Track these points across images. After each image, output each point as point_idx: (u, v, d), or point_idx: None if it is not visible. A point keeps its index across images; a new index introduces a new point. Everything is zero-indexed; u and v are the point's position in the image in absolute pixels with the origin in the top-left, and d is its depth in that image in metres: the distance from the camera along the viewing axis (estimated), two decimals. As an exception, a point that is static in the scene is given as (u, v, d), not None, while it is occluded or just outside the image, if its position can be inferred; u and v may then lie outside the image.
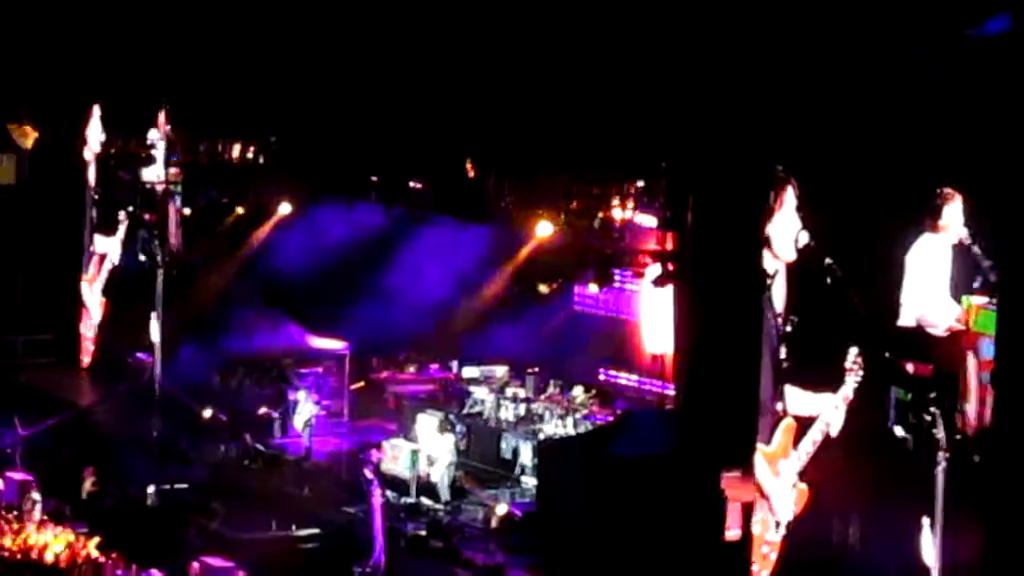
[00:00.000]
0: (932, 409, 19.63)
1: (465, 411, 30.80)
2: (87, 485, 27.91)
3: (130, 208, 36.85)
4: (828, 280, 21.37)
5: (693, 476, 19.56)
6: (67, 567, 23.40)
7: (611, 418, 29.07)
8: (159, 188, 36.76)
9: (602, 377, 31.54)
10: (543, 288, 31.30)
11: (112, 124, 37.12)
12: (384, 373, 33.87)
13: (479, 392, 31.07)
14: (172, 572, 23.33)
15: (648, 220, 29.19)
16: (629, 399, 30.66)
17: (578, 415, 29.75)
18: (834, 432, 21.91)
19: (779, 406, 21.95)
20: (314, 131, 32.94)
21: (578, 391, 30.51)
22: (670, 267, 24.46)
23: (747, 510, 20.34)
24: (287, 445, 31.37)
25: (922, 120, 21.10)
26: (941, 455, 19.43)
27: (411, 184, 32.60)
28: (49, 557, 23.54)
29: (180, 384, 32.91)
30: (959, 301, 20.74)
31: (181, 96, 35.72)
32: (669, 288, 23.89)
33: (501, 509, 26.87)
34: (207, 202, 37.25)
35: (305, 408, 31.53)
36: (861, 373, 21.62)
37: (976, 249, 20.61)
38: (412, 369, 33.89)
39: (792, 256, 21.67)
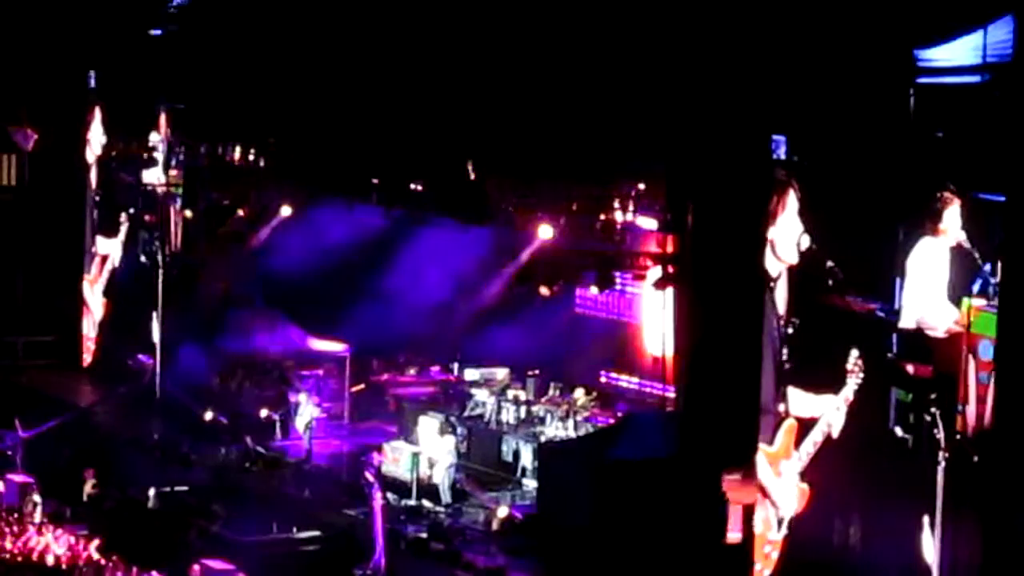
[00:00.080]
0: (932, 410, 19.69)
1: (466, 413, 30.80)
2: (88, 487, 27.93)
3: (131, 210, 36.94)
4: (830, 282, 21.42)
5: (694, 479, 19.55)
6: (68, 569, 23.40)
7: (612, 420, 29.08)
8: (160, 190, 36.83)
9: (603, 379, 31.54)
10: (544, 290, 31.28)
11: (114, 126, 37.14)
12: (385, 375, 33.85)
13: (480, 394, 31.07)
14: (173, 574, 23.34)
15: (649, 222, 29.17)
16: (630, 401, 30.66)
17: (579, 417, 29.75)
18: (835, 433, 21.94)
19: (781, 407, 21.99)
20: (314, 133, 32.90)
21: (579, 393, 30.50)
22: (671, 269, 24.46)
23: (748, 512, 20.36)
24: (288, 447, 31.37)
25: (922, 125, 21.15)
26: (941, 455, 19.49)
27: (411, 186, 32.56)
28: (50, 559, 23.54)
29: (181, 386, 32.93)
30: (958, 303, 20.77)
31: (182, 98, 35.77)
32: (670, 290, 23.88)
33: (502, 511, 26.86)
34: (208, 204, 37.26)
35: (306, 410, 31.53)
36: (862, 375, 21.66)
37: (974, 252, 20.67)
38: (413, 371, 33.88)
39: (794, 259, 21.72)
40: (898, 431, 20.76)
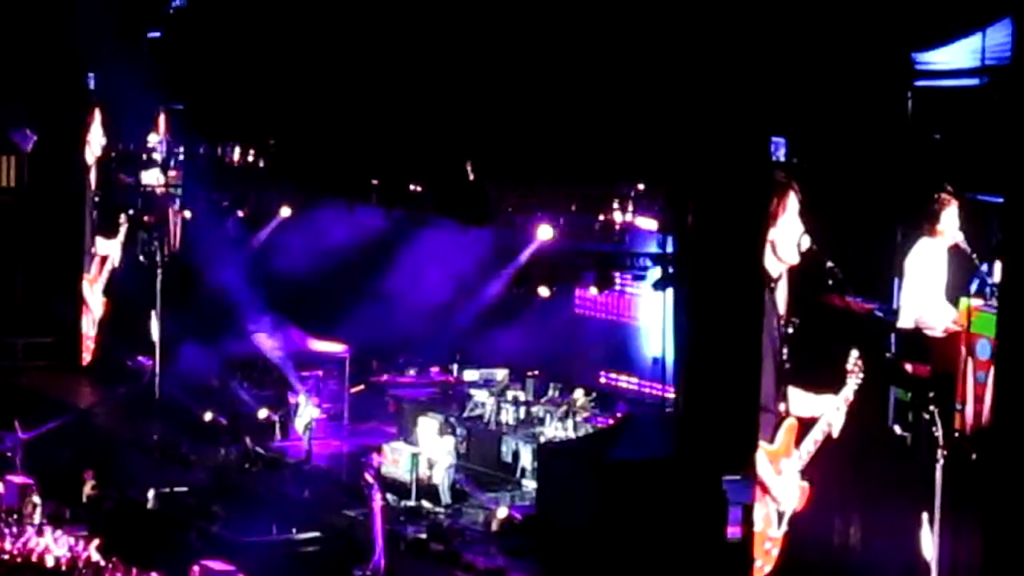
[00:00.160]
0: (931, 408, 19.79)
1: (465, 414, 30.80)
2: (87, 488, 27.92)
3: (131, 211, 36.96)
4: (830, 283, 21.50)
5: (693, 479, 19.62)
6: (67, 570, 23.40)
7: (611, 421, 29.11)
8: (159, 191, 36.86)
9: (602, 380, 31.58)
10: (543, 291, 31.30)
11: (113, 128, 37.18)
12: (384, 376, 33.88)
13: (479, 395, 31.08)
14: (172, 575, 23.33)
15: (648, 223, 29.22)
16: (629, 402, 30.70)
17: (578, 418, 29.76)
18: (835, 432, 22.00)
19: (782, 407, 22.06)
20: (314, 134, 32.92)
21: (578, 394, 30.51)
22: (670, 270, 24.51)
23: (747, 512, 20.41)
24: (287, 448, 31.37)
25: (920, 127, 21.22)
26: (940, 453, 19.58)
27: (411, 187, 32.58)
28: (49, 561, 23.54)
29: (180, 386, 32.94)
30: (956, 303, 20.84)
31: (181, 99, 35.79)
32: (669, 291, 23.94)
33: (501, 512, 26.87)
34: (207, 205, 37.27)
35: (305, 411, 31.54)
36: (862, 375, 21.73)
37: (972, 253, 20.74)
38: (412, 372, 33.91)
39: (795, 259, 21.82)
40: (897, 429, 20.83)
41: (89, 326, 37.24)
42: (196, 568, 23.09)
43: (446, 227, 32.18)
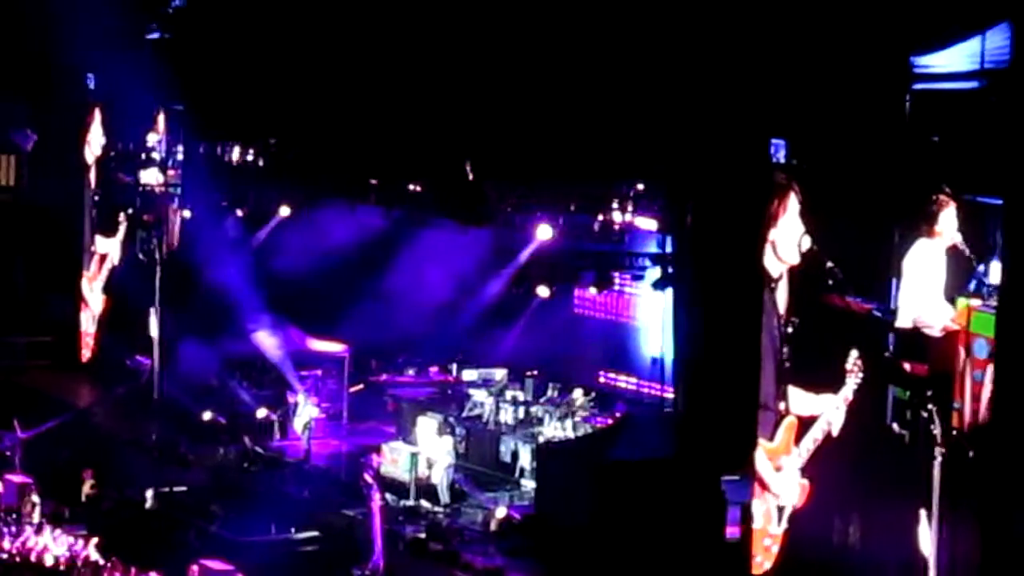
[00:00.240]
0: (929, 407, 19.86)
1: (464, 414, 30.83)
2: (86, 488, 27.93)
3: (130, 210, 36.97)
4: (829, 283, 21.56)
5: (692, 479, 19.64)
6: (66, 570, 23.41)
7: (610, 421, 29.13)
8: (158, 190, 36.87)
9: (601, 380, 31.60)
10: (543, 291, 31.32)
11: (112, 127, 37.20)
12: (383, 376, 33.90)
13: (478, 395, 31.10)
14: (171, 575, 23.34)
15: (647, 223, 29.24)
16: (628, 402, 30.72)
17: (577, 418, 29.78)
18: (835, 431, 22.06)
19: (781, 405, 22.10)
20: (314, 134, 32.93)
21: (577, 394, 30.53)
22: (669, 270, 24.56)
23: (746, 511, 20.45)
24: (286, 448, 31.39)
25: (918, 129, 21.28)
26: (937, 450, 19.66)
27: (411, 187, 32.60)
28: (48, 560, 23.55)
29: (179, 386, 32.95)
30: (953, 303, 20.92)
31: (180, 100, 35.80)
32: (668, 291, 23.98)
33: (500, 512, 26.88)
34: (206, 204, 37.27)
35: (304, 411, 31.56)
36: (861, 375, 21.79)
37: (969, 253, 20.83)
38: (411, 372, 33.93)
39: (795, 260, 21.88)
40: (896, 428, 20.90)
41: (88, 324, 37.26)
42: (195, 567, 23.09)
43: (446, 227, 32.21)
